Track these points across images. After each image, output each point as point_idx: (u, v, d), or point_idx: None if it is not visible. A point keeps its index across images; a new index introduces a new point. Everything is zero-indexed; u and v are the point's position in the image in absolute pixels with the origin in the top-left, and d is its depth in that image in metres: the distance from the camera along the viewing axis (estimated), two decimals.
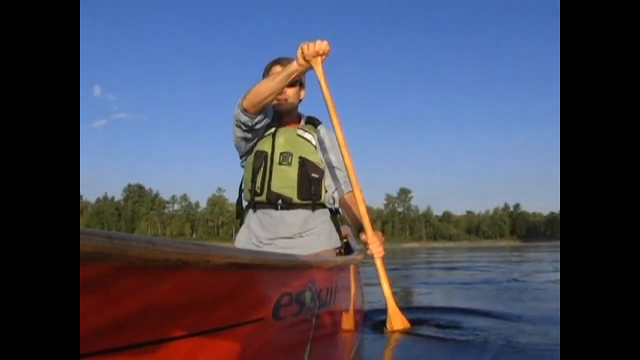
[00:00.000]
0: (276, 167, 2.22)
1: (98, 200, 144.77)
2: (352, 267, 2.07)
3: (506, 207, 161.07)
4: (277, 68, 2.25)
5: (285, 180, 2.21)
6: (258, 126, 2.20)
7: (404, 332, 2.30)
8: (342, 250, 2.43)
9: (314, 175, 2.24)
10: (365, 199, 2.27)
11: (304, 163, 2.23)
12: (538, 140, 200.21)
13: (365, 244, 2.22)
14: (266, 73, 2.31)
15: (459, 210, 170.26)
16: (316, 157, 2.29)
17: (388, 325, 2.26)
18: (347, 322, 1.85)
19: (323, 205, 2.32)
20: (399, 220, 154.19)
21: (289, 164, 2.22)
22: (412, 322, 2.36)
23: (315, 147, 2.31)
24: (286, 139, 2.27)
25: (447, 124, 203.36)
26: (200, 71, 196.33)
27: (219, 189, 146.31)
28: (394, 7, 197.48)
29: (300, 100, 2.36)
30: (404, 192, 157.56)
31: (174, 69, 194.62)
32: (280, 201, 2.20)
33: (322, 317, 1.39)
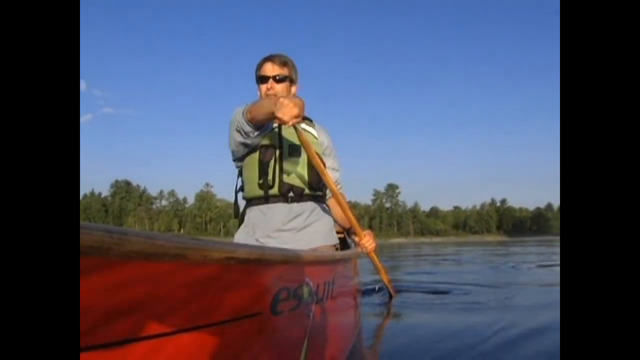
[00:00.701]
0: (287, 158, 2.24)
1: (85, 196, 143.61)
2: (348, 261, 2.11)
3: (493, 202, 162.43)
4: (268, 65, 2.26)
5: (297, 171, 2.24)
6: (261, 133, 2.20)
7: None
8: (338, 247, 2.47)
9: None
10: (347, 200, 2.46)
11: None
12: (525, 136, 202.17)
13: (357, 243, 2.51)
14: (258, 69, 2.30)
15: (446, 206, 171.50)
16: (320, 150, 2.33)
17: (390, 291, 3.78)
18: (344, 316, 1.87)
19: (325, 199, 2.38)
20: (387, 216, 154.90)
21: (299, 155, 2.25)
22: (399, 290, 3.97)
23: (318, 140, 2.36)
24: (293, 132, 2.26)
25: (434, 119, 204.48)
26: (188, 66, 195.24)
27: (207, 185, 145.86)
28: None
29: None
30: (392, 188, 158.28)
31: (161, 64, 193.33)
32: (291, 193, 2.22)
33: (320, 312, 1.40)
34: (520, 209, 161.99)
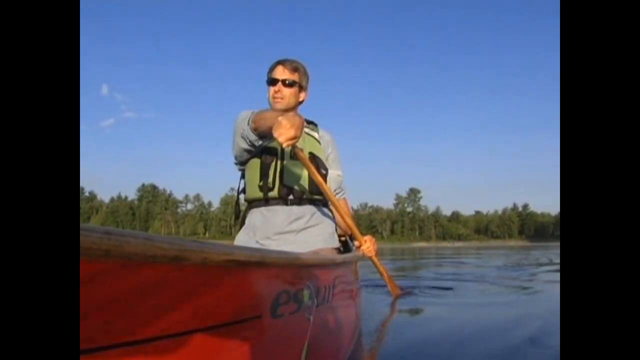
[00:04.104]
0: (288, 162, 2.25)
1: (112, 199, 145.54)
2: (350, 264, 2.10)
3: (515, 207, 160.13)
4: (280, 68, 2.28)
5: (297, 175, 2.24)
6: (265, 142, 2.19)
7: (404, 294, 3.88)
8: (341, 249, 2.49)
9: (322, 171, 2.29)
10: (350, 208, 2.57)
11: (314, 158, 2.28)
12: (547, 141, 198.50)
13: (358, 247, 2.54)
14: (270, 71, 2.31)
15: (467, 210, 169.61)
16: (323, 155, 2.36)
17: (392, 292, 3.48)
18: (345, 320, 1.86)
19: (327, 202, 2.37)
20: (409, 220, 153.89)
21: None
22: (404, 289, 4.10)
23: (321, 145, 2.37)
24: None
25: (456, 123, 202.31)
26: (208, 70, 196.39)
27: (232, 189, 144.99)
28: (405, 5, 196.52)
29: (299, 102, 2.37)
30: (414, 192, 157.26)
31: (180, 68, 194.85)
32: (291, 196, 2.23)
33: (320, 315, 1.38)
34: (543, 214, 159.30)
